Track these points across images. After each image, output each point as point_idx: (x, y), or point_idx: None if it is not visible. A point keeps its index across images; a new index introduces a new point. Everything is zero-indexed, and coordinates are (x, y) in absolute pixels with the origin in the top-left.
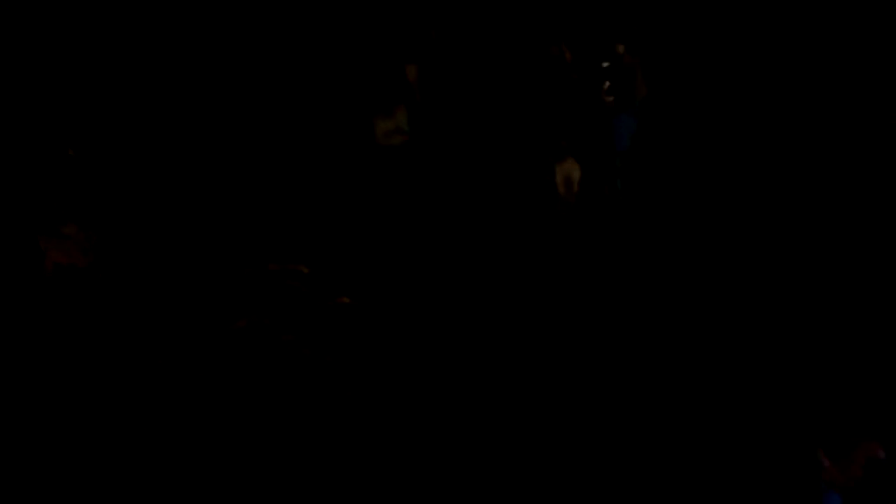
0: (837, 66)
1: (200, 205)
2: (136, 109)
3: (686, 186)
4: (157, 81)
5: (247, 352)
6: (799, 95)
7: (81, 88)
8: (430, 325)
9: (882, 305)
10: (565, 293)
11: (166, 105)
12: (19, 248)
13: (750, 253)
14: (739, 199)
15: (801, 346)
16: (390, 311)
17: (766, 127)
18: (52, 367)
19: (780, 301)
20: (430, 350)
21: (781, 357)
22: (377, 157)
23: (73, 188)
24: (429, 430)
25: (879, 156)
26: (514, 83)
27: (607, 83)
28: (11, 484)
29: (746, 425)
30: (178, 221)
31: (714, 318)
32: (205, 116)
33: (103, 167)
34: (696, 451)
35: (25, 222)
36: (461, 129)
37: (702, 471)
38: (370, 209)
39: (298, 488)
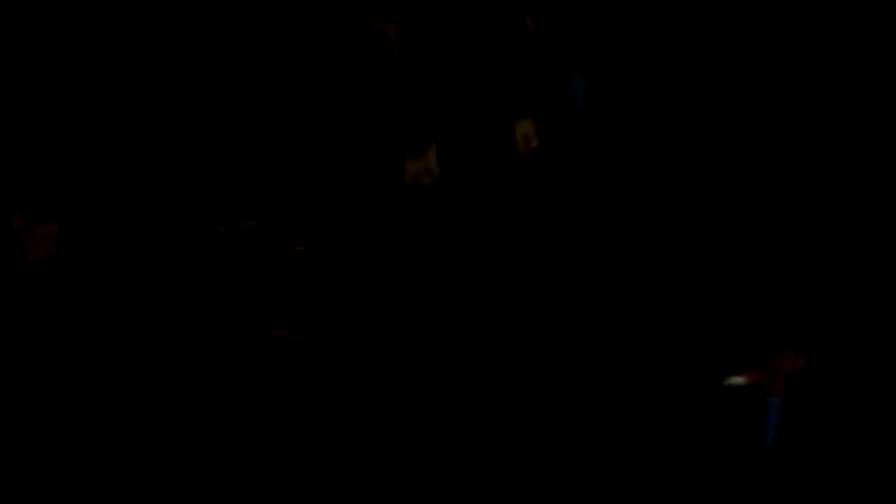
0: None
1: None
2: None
3: (639, 143)
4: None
5: (213, 321)
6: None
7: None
8: (392, 271)
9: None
10: (528, 247)
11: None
12: (1, 247)
13: (699, 205)
14: (692, 155)
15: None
16: (348, 259)
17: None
18: (45, 350)
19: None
20: (394, 296)
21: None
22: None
23: (52, 185)
24: (398, 384)
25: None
26: (477, 47)
27: (558, 43)
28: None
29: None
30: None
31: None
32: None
33: (80, 160)
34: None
35: (6, 219)
36: (435, 83)
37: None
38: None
39: (275, 462)
